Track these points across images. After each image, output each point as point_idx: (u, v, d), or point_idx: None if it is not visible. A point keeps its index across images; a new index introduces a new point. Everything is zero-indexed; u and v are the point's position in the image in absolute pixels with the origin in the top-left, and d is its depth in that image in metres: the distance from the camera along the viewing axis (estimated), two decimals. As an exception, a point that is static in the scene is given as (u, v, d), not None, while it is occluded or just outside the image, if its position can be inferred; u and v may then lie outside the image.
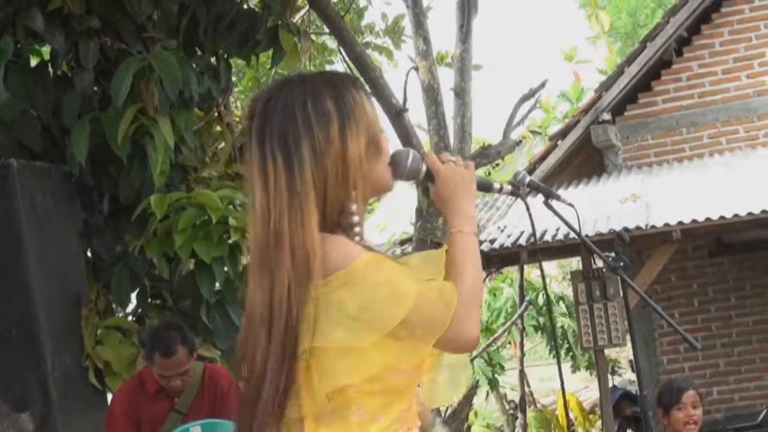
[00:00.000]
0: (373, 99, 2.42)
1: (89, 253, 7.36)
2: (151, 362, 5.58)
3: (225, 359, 7.06)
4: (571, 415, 15.00)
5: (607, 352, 11.76)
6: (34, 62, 7.35)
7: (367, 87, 2.45)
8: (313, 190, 2.14)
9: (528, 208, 2.47)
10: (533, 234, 9.38)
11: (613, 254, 2.83)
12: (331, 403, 2.15)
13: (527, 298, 15.51)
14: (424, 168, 2.35)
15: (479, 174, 2.40)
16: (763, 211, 8.92)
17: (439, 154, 2.35)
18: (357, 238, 2.22)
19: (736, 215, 8.98)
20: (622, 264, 2.59)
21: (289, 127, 2.17)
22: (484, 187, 2.41)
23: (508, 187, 2.41)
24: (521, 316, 15.43)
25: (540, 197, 2.60)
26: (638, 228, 9.09)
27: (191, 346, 5.61)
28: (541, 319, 17.62)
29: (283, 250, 2.12)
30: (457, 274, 2.19)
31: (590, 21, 34.27)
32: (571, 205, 2.54)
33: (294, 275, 2.11)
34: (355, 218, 2.21)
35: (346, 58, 11.18)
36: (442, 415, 12.94)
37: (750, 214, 8.95)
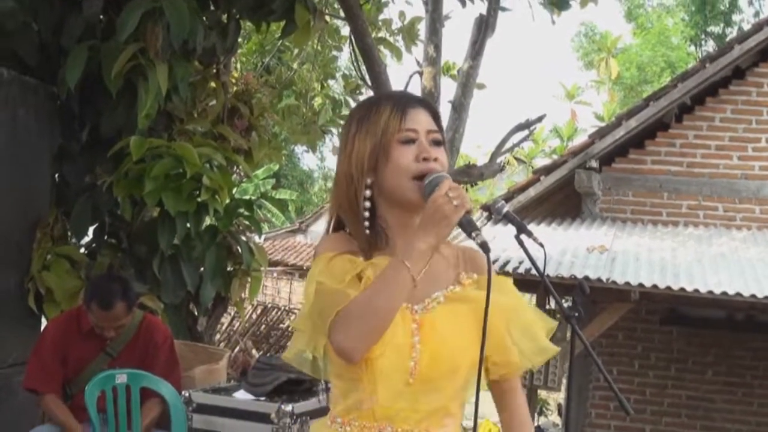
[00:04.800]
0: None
1: (56, 178, 7.32)
2: (89, 310, 5.52)
3: (167, 314, 7.02)
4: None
5: (538, 392, 11.79)
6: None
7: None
8: (339, 180, 2.50)
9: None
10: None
11: (570, 301, 2.82)
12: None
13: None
14: None
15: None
16: (723, 293, 8.96)
17: (451, 185, 2.34)
18: (366, 223, 2.45)
19: (696, 290, 9.01)
20: (576, 315, 2.58)
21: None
22: (464, 228, 2.36)
23: (480, 239, 2.38)
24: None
25: (511, 228, 2.59)
26: (599, 280, 9.12)
27: (131, 302, 5.56)
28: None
29: None
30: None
31: (599, 66, 34.38)
32: (541, 245, 2.53)
33: None
34: (365, 213, 2.45)
35: (355, 47, 11.16)
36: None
37: (710, 292, 8.98)
